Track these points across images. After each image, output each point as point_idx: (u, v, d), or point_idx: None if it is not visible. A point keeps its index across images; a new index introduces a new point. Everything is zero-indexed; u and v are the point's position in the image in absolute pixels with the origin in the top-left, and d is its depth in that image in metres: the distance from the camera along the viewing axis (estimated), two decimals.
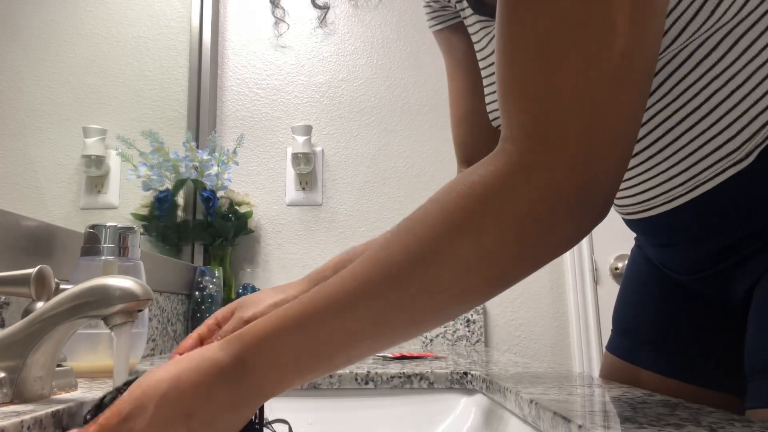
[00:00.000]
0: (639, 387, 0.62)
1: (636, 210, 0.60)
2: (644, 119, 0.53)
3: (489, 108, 0.67)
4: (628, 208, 0.61)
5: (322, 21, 0.76)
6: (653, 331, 0.68)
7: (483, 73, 0.68)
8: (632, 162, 0.56)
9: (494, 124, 0.67)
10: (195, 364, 0.38)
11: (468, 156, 0.74)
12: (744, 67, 0.48)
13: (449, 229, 0.36)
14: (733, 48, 0.48)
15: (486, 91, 0.67)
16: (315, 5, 0.75)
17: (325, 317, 0.38)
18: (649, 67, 0.37)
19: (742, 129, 0.49)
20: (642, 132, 0.54)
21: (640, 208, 0.59)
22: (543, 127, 0.35)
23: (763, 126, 0.49)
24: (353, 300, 0.37)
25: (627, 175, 0.58)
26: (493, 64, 0.63)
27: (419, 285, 0.37)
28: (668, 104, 0.51)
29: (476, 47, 0.67)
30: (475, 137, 0.73)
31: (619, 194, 0.61)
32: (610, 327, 0.76)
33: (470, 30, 0.67)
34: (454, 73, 0.74)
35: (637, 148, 0.55)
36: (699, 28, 0.47)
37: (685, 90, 0.50)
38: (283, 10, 0.86)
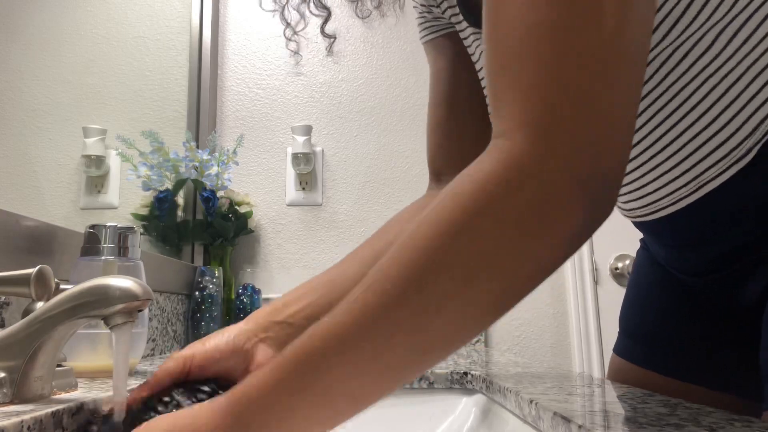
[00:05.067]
0: (644, 389, 0.62)
1: (643, 213, 0.60)
2: (644, 119, 0.53)
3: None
4: (636, 212, 0.61)
5: (329, 50, 0.74)
6: (659, 333, 0.68)
7: (483, 84, 0.67)
8: (635, 163, 0.56)
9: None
10: (192, 415, 0.37)
11: (438, 169, 0.71)
12: (739, 63, 0.48)
13: (444, 238, 0.34)
14: (728, 45, 0.48)
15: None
16: (324, 34, 0.73)
17: (325, 361, 0.34)
18: (642, 48, 0.36)
19: (741, 125, 0.49)
20: (643, 132, 0.54)
21: (647, 210, 0.59)
22: (536, 118, 0.33)
23: (762, 122, 0.49)
24: (354, 335, 0.34)
25: (631, 177, 0.58)
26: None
27: (418, 303, 0.33)
28: (666, 103, 0.51)
29: (473, 58, 0.67)
30: (444, 150, 0.71)
31: (625, 197, 0.61)
32: (610, 327, 0.76)
33: (465, 42, 0.67)
34: (436, 81, 0.73)
35: (639, 149, 0.55)
36: (690, 25, 0.47)
37: (683, 88, 0.50)
38: (297, 43, 0.85)
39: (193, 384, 0.47)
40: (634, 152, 0.55)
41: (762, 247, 0.52)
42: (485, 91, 0.52)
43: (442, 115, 0.71)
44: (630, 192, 0.59)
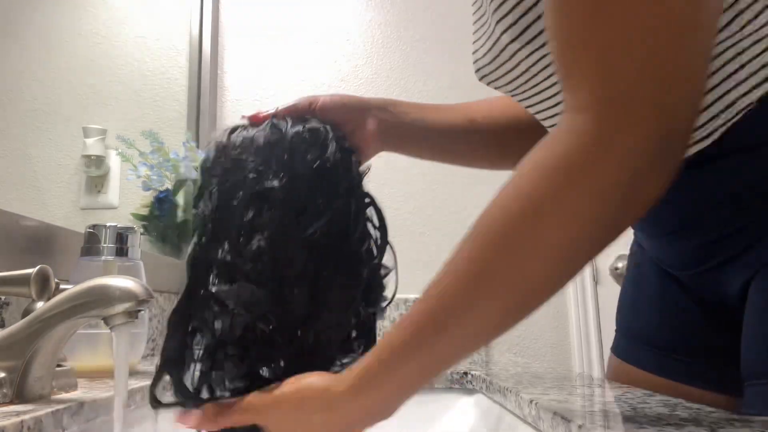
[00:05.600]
0: (640, 388, 0.62)
1: None
2: None
3: (474, 58, 0.63)
4: None
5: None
6: (652, 331, 0.68)
7: (473, 19, 0.64)
8: None
9: (478, 76, 0.64)
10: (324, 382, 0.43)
11: None
12: (720, 42, 0.47)
13: (535, 219, 0.36)
14: None
15: (473, 38, 0.64)
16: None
17: (429, 342, 0.39)
18: (716, 16, 0.37)
19: (709, 106, 0.49)
20: None
21: None
22: (616, 91, 0.34)
23: (729, 105, 0.48)
24: (453, 316, 0.38)
25: None
26: (480, 8, 0.59)
27: (512, 282, 0.38)
28: None
29: None
30: None
31: None
32: (610, 327, 0.76)
33: None
34: None
35: None
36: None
37: None
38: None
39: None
40: None
41: (741, 239, 0.52)
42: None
43: None
44: None
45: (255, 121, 0.51)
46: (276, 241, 0.41)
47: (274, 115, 0.51)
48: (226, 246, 0.45)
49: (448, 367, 0.41)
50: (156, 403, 0.46)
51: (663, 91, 0.34)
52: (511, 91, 0.59)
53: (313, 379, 0.44)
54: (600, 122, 0.35)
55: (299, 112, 0.54)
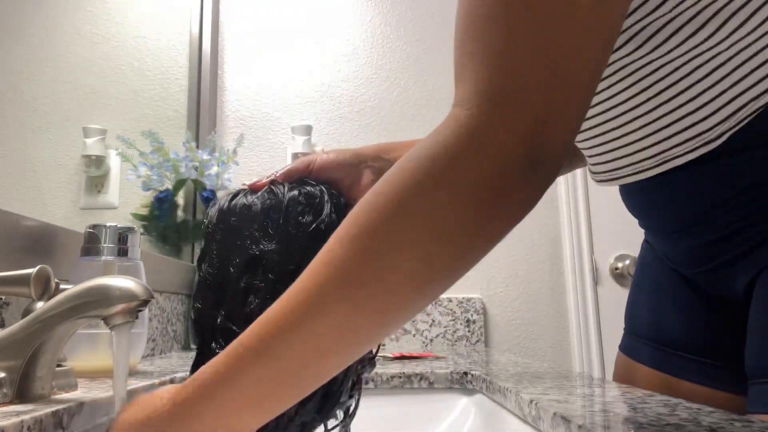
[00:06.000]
0: (647, 387, 0.62)
1: (607, 177, 0.62)
2: (622, 86, 0.53)
3: None
4: (601, 175, 0.63)
5: None
6: (660, 329, 0.67)
7: None
8: (608, 126, 0.57)
9: None
10: (143, 402, 0.37)
11: None
12: (728, 48, 0.48)
13: (401, 211, 0.33)
14: (721, 28, 0.47)
15: None
16: None
17: (279, 341, 0.34)
18: (613, 31, 0.35)
19: (718, 109, 0.49)
20: (619, 98, 0.54)
21: (611, 176, 0.61)
22: (496, 87, 0.33)
23: (739, 109, 0.49)
24: (309, 313, 0.34)
25: (600, 140, 0.59)
26: None
27: (376, 280, 0.33)
28: (647, 75, 0.51)
29: None
30: None
31: (592, 158, 0.62)
32: (610, 327, 0.76)
33: None
34: None
35: (613, 113, 0.55)
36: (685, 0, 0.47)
37: (667, 63, 0.50)
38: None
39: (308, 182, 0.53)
40: (608, 115, 0.56)
41: (750, 237, 0.52)
42: None
43: None
44: (597, 154, 0.60)
45: (254, 188, 0.51)
46: (269, 303, 0.40)
47: (272, 182, 0.51)
48: (224, 312, 0.46)
49: (285, 400, 0.35)
50: None
51: (547, 95, 0.33)
52: None
53: (160, 391, 0.38)
54: (478, 115, 0.33)
55: (297, 175, 0.53)
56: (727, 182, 0.52)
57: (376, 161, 0.60)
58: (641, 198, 0.61)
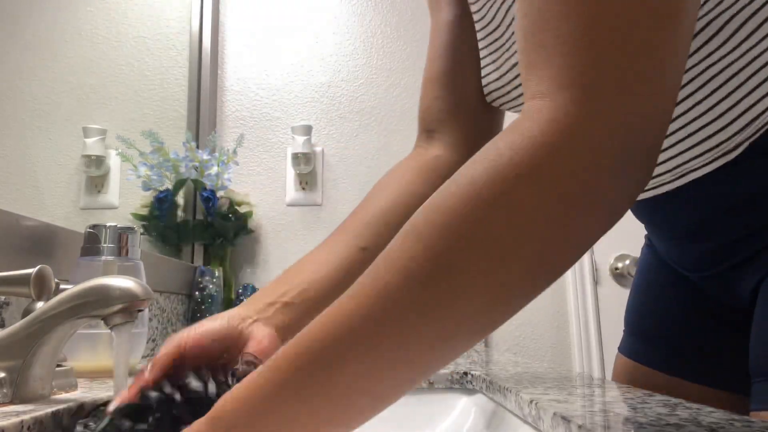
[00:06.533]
0: (648, 387, 0.62)
1: None
2: None
3: (486, 81, 0.62)
4: None
5: None
6: (663, 331, 0.67)
7: (482, 44, 0.63)
8: None
9: (489, 99, 0.63)
10: None
11: (430, 124, 0.66)
12: (742, 56, 0.47)
13: (476, 210, 0.29)
14: (733, 36, 0.47)
15: (483, 62, 0.63)
16: None
17: (337, 357, 0.30)
18: (695, 11, 0.33)
19: (735, 119, 0.49)
20: None
21: None
22: (584, 77, 0.30)
23: (756, 118, 0.48)
24: (372, 324, 0.29)
25: None
26: (494, 31, 0.59)
27: (447, 284, 0.29)
28: None
29: (475, 17, 0.63)
30: (441, 102, 0.67)
31: None
32: (610, 327, 0.76)
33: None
34: (436, 33, 0.68)
35: None
36: (700, 7, 0.46)
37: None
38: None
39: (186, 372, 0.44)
40: None
41: (756, 242, 0.52)
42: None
43: (442, 67, 0.67)
44: None
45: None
46: None
47: (142, 389, 0.41)
48: None
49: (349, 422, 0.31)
50: None
51: (640, 83, 0.30)
52: (517, 107, 0.60)
53: None
54: (565, 106, 0.29)
55: (166, 364, 0.44)
56: (737, 188, 0.51)
57: (264, 312, 0.48)
58: (648, 204, 0.60)
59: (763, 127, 0.49)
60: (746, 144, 0.49)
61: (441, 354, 0.31)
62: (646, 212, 0.62)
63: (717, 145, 0.50)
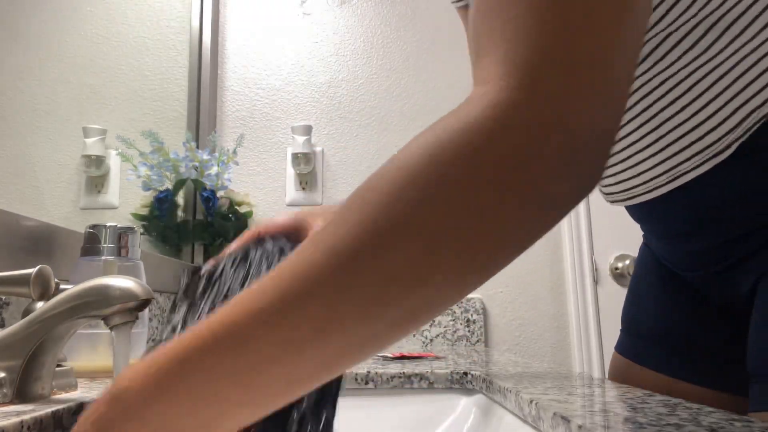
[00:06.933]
0: (643, 387, 0.62)
1: (621, 198, 0.61)
2: (628, 105, 0.53)
3: None
4: (614, 195, 0.62)
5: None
6: (657, 330, 0.68)
7: None
8: (617, 147, 0.57)
9: None
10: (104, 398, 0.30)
11: None
12: (729, 57, 0.48)
13: (410, 192, 0.28)
14: (720, 38, 0.47)
15: None
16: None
17: (252, 331, 0.28)
18: (648, 4, 0.32)
19: (723, 121, 0.49)
20: (627, 117, 0.54)
21: (624, 195, 0.60)
22: (526, 62, 0.28)
23: (745, 118, 0.49)
24: (288, 304, 0.27)
25: (611, 161, 0.58)
26: None
27: (373, 272, 0.27)
28: (650, 92, 0.51)
29: None
30: None
31: (602, 180, 0.61)
32: (610, 327, 0.76)
33: None
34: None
35: (621, 132, 0.55)
36: (683, 13, 0.46)
37: (669, 78, 0.50)
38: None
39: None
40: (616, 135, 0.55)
41: (752, 241, 0.52)
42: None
43: None
44: (609, 175, 0.60)
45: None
46: None
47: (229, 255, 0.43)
48: None
49: (270, 393, 0.29)
50: None
51: (593, 73, 0.28)
52: None
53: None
54: (506, 89, 0.28)
55: (246, 242, 0.45)
56: (732, 187, 0.52)
57: (330, 209, 0.51)
58: (643, 206, 0.60)
59: (753, 126, 0.49)
60: (737, 144, 0.49)
61: (360, 342, 0.28)
62: (640, 213, 0.63)
63: (708, 146, 0.50)
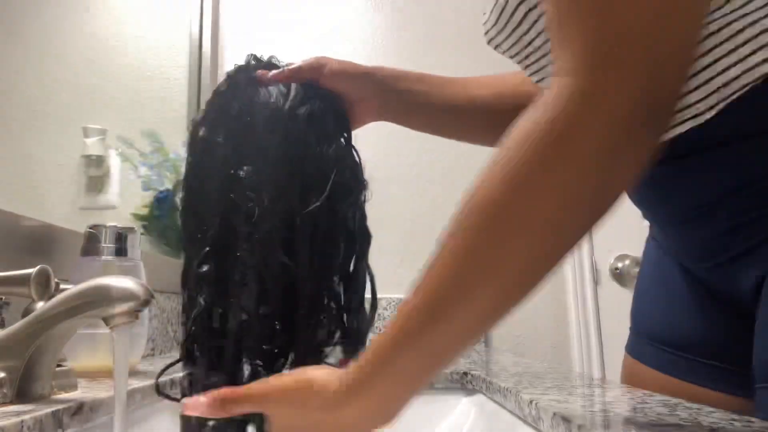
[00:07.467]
0: (651, 388, 0.61)
1: None
2: None
3: (485, 27, 0.64)
4: None
5: None
6: (665, 329, 0.66)
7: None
8: None
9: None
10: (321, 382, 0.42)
11: None
12: (722, 17, 0.46)
13: (522, 192, 0.35)
14: None
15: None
16: None
17: (431, 326, 0.37)
18: None
19: (712, 78, 0.48)
20: None
21: None
22: (603, 51, 0.34)
23: (734, 79, 0.48)
24: (445, 306, 0.37)
25: None
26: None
27: (503, 262, 0.36)
28: None
29: None
30: None
31: None
32: (610, 327, 0.76)
33: None
34: None
35: None
36: None
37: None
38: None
39: None
40: None
41: (757, 230, 0.51)
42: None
43: None
44: None
45: (261, 82, 0.56)
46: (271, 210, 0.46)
47: (280, 79, 0.56)
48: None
49: (446, 363, 0.40)
50: (160, 393, 0.52)
51: (653, 53, 0.33)
52: (517, 55, 0.59)
53: (316, 374, 0.43)
54: (586, 84, 0.34)
55: (305, 76, 0.58)
56: (739, 170, 0.51)
57: (384, 86, 0.67)
58: (649, 189, 0.59)
59: (739, 89, 0.47)
60: (720, 106, 0.48)
61: (503, 307, 0.37)
62: (647, 200, 0.61)
63: (692, 105, 0.49)
